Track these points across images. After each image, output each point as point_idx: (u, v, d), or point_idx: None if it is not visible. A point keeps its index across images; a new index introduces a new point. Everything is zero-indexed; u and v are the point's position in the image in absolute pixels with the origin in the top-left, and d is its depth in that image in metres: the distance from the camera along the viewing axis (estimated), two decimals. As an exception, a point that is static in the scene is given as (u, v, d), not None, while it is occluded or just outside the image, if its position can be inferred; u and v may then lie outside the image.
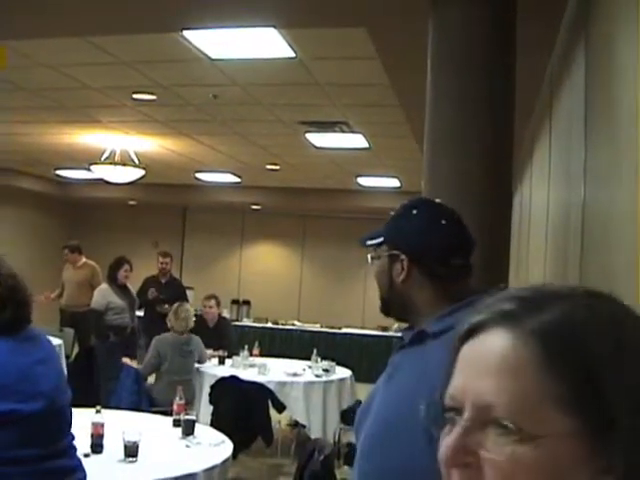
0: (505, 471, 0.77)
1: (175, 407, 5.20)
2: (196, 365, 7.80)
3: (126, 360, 7.74)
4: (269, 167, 12.43)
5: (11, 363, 2.64)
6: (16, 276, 2.78)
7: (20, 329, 2.72)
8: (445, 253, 1.94)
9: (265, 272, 17.16)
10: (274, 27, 5.39)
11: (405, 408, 1.43)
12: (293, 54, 6.12)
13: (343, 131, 9.13)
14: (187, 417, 4.89)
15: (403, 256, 1.95)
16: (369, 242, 2.06)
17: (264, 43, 5.86)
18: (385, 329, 14.45)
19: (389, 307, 2.09)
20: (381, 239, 2.02)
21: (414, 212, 2.01)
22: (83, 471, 2.84)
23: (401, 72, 5.86)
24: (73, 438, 2.84)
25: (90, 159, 11.18)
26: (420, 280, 1.95)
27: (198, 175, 13.88)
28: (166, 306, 8.96)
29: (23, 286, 2.78)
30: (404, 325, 2.13)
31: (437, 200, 2.10)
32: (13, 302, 2.69)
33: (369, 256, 2.08)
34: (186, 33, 5.70)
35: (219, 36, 5.75)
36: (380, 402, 1.85)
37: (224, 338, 8.95)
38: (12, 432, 2.55)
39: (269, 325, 15.22)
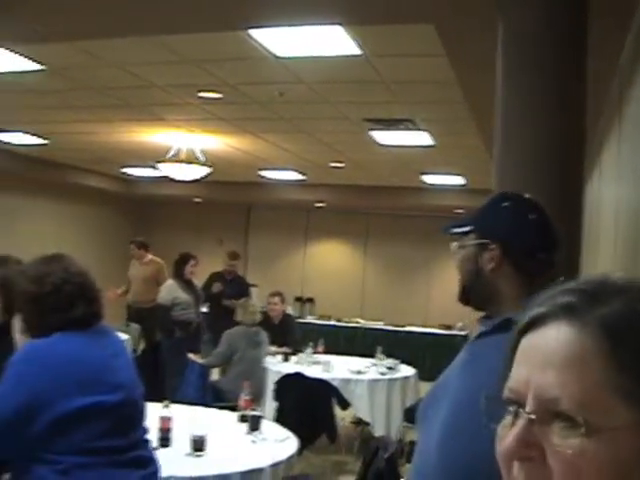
0: (572, 464, 0.77)
1: (242, 403, 5.24)
2: (261, 361, 7.87)
3: (191, 356, 7.84)
4: (333, 165, 12.43)
5: (89, 356, 2.71)
6: (85, 273, 2.84)
7: (92, 325, 2.79)
8: (532, 247, 1.96)
9: (328, 270, 17.17)
10: (340, 25, 5.38)
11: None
12: (359, 51, 6.10)
13: (408, 129, 9.08)
14: (253, 413, 4.93)
15: (493, 245, 1.97)
16: (456, 230, 2.08)
17: (330, 41, 5.85)
18: (448, 327, 14.38)
19: (470, 295, 2.07)
20: (469, 228, 2.04)
21: (504, 205, 2.04)
22: (157, 463, 2.89)
23: (468, 69, 5.81)
24: (146, 431, 2.90)
25: (156, 157, 11.32)
26: (508, 271, 1.96)
27: (262, 173, 13.93)
28: (232, 301, 9.04)
29: (92, 283, 2.85)
30: (469, 322, 2.14)
31: (527, 195, 2.10)
32: (84, 299, 2.75)
33: (454, 244, 2.09)
34: (252, 32, 5.72)
35: (285, 34, 5.76)
36: (459, 389, 1.83)
37: (289, 335, 8.99)
38: (97, 423, 2.62)
39: (332, 322, 15.24)
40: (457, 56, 5.61)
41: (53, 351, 2.65)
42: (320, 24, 5.40)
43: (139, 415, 2.87)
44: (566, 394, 0.78)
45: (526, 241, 1.97)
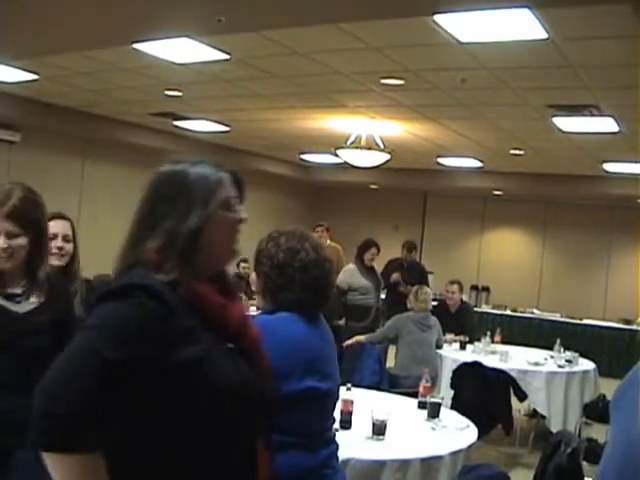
0: None
1: (421, 389, 5.23)
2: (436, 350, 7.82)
3: (358, 337, 7.84)
4: (513, 152, 12.20)
5: (312, 342, 2.82)
6: (330, 260, 2.97)
7: (315, 313, 2.89)
8: None
9: (505, 258, 16.87)
10: (528, 8, 5.26)
11: None
12: (545, 35, 5.94)
13: (592, 114, 8.79)
14: (433, 400, 4.91)
15: None
16: None
17: (516, 25, 5.73)
18: (628, 322, 13.87)
19: None
20: None
21: None
22: (336, 441, 2.99)
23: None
24: None
25: (335, 143, 11.44)
26: None
27: (440, 160, 13.86)
28: (408, 286, 9.04)
29: (332, 271, 2.95)
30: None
31: None
32: (319, 285, 2.85)
33: None
34: (437, 17, 5.69)
35: (470, 19, 5.69)
36: None
37: (466, 323, 8.92)
38: (310, 407, 2.75)
39: (508, 312, 15.02)
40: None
41: (286, 329, 2.75)
42: (508, 7, 5.30)
43: (336, 403, 2.99)
44: None
45: None
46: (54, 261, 3.80)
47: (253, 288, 11.22)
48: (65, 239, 3.92)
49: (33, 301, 3.08)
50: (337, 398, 2.99)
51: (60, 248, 3.88)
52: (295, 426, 2.68)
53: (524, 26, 5.74)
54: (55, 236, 3.83)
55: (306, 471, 2.73)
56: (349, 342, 7.84)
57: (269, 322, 2.71)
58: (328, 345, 2.93)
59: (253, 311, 7.07)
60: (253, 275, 2.95)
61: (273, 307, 2.82)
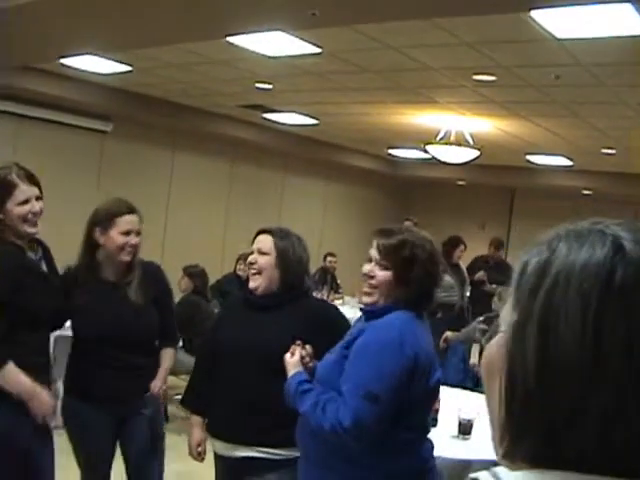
0: None
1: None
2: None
3: (448, 334, 7.77)
4: (604, 151, 11.96)
5: (429, 340, 2.95)
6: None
7: (426, 308, 3.02)
8: None
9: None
10: (630, 2, 5.13)
11: None
12: (646, 31, 5.80)
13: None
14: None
15: None
16: None
17: (615, 20, 5.59)
18: None
19: None
20: None
21: None
22: None
23: None
24: None
25: (423, 139, 11.38)
26: None
27: (529, 157, 13.66)
28: (494, 285, 8.94)
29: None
30: None
31: None
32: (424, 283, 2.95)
33: None
34: (533, 13, 5.59)
35: (568, 15, 5.58)
36: None
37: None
38: (428, 403, 2.96)
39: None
40: None
41: (414, 327, 2.89)
42: (609, 2, 5.18)
43: None
44: None
45: None
46: (125, 257, 3.86)
47: (339, 282, 11.31)
48: (137, 234, 3.93)
49: None
50: None
51: (134, 246, 3.89)
52: (422, 420, 2.81)
53: (623, 21, 5.60)
54: (129, 232, 3.86)
55: (431, 464, 2.91)
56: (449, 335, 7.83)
57: (404, 324, 2.83)
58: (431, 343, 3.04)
59: (339, 305, 7.07)
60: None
61: (387, 303, 2.90)
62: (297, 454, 3.07)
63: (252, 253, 3.52)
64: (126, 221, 3.82)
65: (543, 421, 0.82)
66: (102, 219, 3.84)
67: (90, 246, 3.89)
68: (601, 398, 0.79)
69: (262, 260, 3.48)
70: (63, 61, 8.71)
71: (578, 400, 0.80)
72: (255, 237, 3.60)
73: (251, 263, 3.51)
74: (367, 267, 2.93)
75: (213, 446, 3.58)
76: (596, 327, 0.80)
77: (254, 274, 3.50)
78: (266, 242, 3.50)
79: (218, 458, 3.58)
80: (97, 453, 3.94)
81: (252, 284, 3.51)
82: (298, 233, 3.69)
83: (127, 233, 3.82)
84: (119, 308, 3.88)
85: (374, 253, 2.93)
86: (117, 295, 3.89)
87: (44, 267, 3.74)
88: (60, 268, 3.90)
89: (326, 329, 3.36)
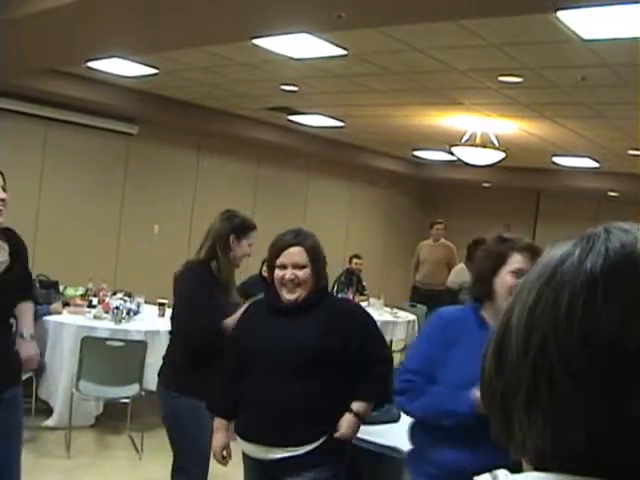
0: None
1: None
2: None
3: None
4: (631, 152, 11.87)
5: None
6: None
7: None
8: None
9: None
10: (658, 3, 5.10)
11: None
12: (674, 32, 5.76)
13: None
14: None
15: None
16: None
17: (642, 21, 5.58)
18: None
19: None
20: None
21: None
22: None
23: None
24: None
25: (449, 140, 11.36)
26: None
27: (555, 159, 13.59)
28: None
29: None
30: None
31: None
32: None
33: None
34: (559, 13, 5.57)
35: (595, 15, 5.55)
36: None
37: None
38: None
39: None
40: None
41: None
42: (634, 2, 5.14)
43: None
44: None
45: None
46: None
47: (364, 283, 11.30)
48: None
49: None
50: None
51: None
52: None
53: (651, 22, 5.57)
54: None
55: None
56: None
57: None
58: None
59: (364, 305, 7.07)
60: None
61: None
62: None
63: (282, 266, 3.53)
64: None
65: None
66: None
67: None
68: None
69: (301, 274, 3.50)
70: (90, 64, 8.78)
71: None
72: (279, 248, 3.58)
73: (291, 279, 3.51)
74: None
75: (244, 449, 3.58)
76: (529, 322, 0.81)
77: (293, 287, 3.52)
78: (301, 255, 3.52)
79: (250, 460, 3.58)
80: None
81: (290, 296, 3.51)
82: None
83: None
84: None
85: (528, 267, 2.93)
86: None
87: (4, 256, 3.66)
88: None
89: (352, 326, 3.51)
